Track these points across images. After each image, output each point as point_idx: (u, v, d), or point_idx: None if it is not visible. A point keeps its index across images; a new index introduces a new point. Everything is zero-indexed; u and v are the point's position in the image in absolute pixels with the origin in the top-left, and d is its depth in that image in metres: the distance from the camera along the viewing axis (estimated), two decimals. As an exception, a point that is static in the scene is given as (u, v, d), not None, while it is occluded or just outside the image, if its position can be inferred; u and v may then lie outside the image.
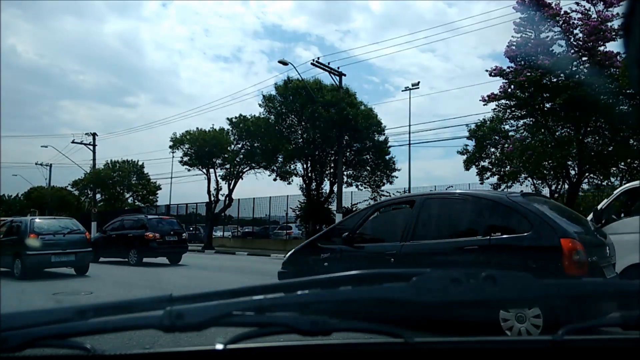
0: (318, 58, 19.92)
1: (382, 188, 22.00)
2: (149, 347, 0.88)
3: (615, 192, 6.54)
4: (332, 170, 21.99)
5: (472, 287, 0.73)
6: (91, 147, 33.68)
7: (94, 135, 34.00)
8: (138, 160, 35.42)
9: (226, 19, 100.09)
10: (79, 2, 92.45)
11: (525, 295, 0.74)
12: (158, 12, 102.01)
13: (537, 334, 4.45)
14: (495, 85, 15.37)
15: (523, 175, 16.77)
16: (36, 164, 39.37)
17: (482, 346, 0.90)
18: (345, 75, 20.46)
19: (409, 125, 25.64)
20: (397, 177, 22.39)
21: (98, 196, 34.61)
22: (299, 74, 20.02)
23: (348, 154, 21.49)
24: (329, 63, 20.02)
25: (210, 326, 0.73)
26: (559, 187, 17.14)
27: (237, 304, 0.76)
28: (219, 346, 0.79)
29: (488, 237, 4.57)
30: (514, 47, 14.20)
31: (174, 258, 14.17)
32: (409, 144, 25.41)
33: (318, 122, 19.57)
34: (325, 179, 22.41)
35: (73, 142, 33.54)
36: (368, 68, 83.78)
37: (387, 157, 21.81)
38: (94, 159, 33.80)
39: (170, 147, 27.30)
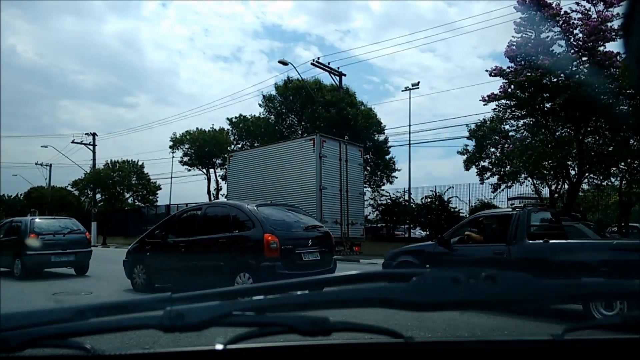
0: (318, 58, 19.94)
1: (383, 188, 21.98)
2: (149, 347, 0.88)
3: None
4: (332, 170, 21.97)
5: (472, 287, 0.73)
6: (91, 147, 33.71)
7: (94, 135, 34.03)
8: (138, 160, 35.44)
9: (226, 19, 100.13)
10: (78, 2, 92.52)
11: (525, 295, 0.74)
12: (158, 12, 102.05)
13: None
14: (496, 85, 15.39)
15: (523, 175, 16.75)
16: (36, 164, 39.36)
17: (481, 346, 0.90)
18: (345, 75, 20.48)
19: (409, 125, 25.64)
20: (397, 177, 22.37)
21: (98, 196, 34.60)
22: (299, 74, 20.03)
23: (348, 154, 21.47)
24: (329, 63, 20.03)
25: (210, 326, 0.73)
26: (559, 187, 17.12)
27: (237, 304, 0.75)
28: (219, 346, 0.79)
29: (231, 232, 7.21)
30: (514, 47, 14.20)
31: None
32: (409, 144, 25.41)
33: (318, 122, 19.56)
34: (326, 178, 22.39)
35: (73, 142, 33.58)
36: (368, 68, 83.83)
37: (387, 157, 21.78)
38: (94, 159, 33.82)
39: (170, 147, 27.38)
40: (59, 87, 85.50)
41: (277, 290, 0.79)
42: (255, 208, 7.27)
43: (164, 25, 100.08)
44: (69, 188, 40.72)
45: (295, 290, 0.78)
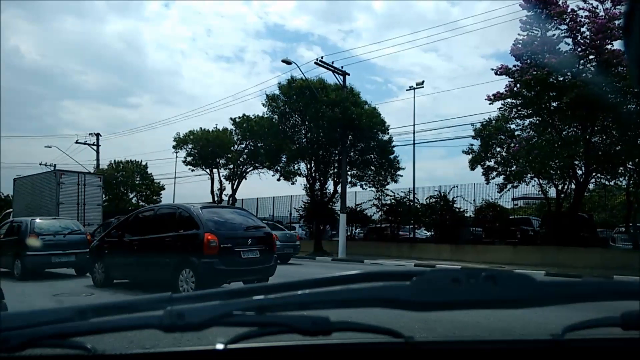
0: (321, 57, 19.83)
1: (387, 187, 21.88)
2: (149, 347, 0.88)
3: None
4: (336, 170, 21.89)
5: (472, 287, 0.73)
6: (95, 148, 33.88)
7: (98, 135, 34.19)
8: (141, 161, 35.51)
9: (228, 19, 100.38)
10: (80, 2, 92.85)
11: (525, 295, 0.74)
12: (160, 12, 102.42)
13: None
14: (499, 84, 15.33)
15: (529, 175, 16.63)
16: (40, 164, 39.52)
17: (482, 346, 0.90)
18: (349, 74, 20.39)
19: (414, 125, 25.64)
20: (402, 176, 22.27)
21: (102, 196, 34.67)
22: (302, 73, 19.96)
23: (352, 153, 21.39)
24: (332, 62, 19.96)
25: (210, 326, 0.73)
26: (566, 187, 16.99)
27: (237, 304, 0.76)
28: (219, 346, 0.79)
29: (177, 232, 7.88)
30: (520, 46, 14.09)
31: None
32: (414, 144, 25.38)
33: (322, 121, 19.50)
34: (329, 178, 22.32)
35: (77, 142, 33.78)
36: (370, 68, 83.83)
37: (391, 157, 21.69)
38: (97, 160, 33.99)
39: (173, 147, 27.39)
40: (61, 87, 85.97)
41: (277, 290, 0.79)
42: (199, 210, 7.92)
43: (166, 25, 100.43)
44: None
45: (295, 290, 0.78)
